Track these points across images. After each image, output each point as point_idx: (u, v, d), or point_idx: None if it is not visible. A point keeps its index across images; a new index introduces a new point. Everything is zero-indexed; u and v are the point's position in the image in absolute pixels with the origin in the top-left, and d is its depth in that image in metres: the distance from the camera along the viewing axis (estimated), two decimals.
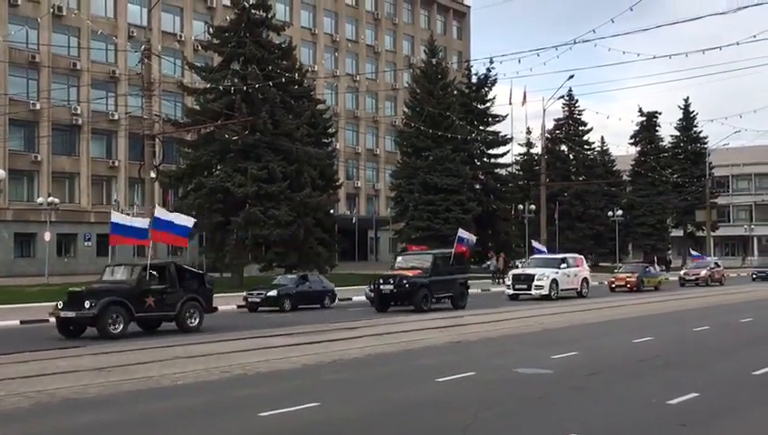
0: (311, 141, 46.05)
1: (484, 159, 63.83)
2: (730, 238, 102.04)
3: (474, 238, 34.82)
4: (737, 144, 72.89)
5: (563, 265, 35.71)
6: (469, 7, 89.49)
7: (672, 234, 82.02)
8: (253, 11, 44.03)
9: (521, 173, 69.79)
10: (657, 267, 49.24)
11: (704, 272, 48.24)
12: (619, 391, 11.80)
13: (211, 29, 49.18)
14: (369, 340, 18.97)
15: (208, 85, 44.68)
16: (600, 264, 70.27)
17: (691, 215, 79.78)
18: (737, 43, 29.41)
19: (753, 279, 55.33)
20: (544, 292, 33.53)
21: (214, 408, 10.80)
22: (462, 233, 32.79)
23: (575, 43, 29.82)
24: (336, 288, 33.42)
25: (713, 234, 78.03)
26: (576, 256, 39.71)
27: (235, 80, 42.28)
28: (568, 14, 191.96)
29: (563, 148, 74.42)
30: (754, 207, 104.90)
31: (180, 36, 60.11)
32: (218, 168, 44.03)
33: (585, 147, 75.96)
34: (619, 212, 69.22)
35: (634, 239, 77.36)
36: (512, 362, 14.50)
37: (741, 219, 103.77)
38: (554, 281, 34.26)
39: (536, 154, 67.05)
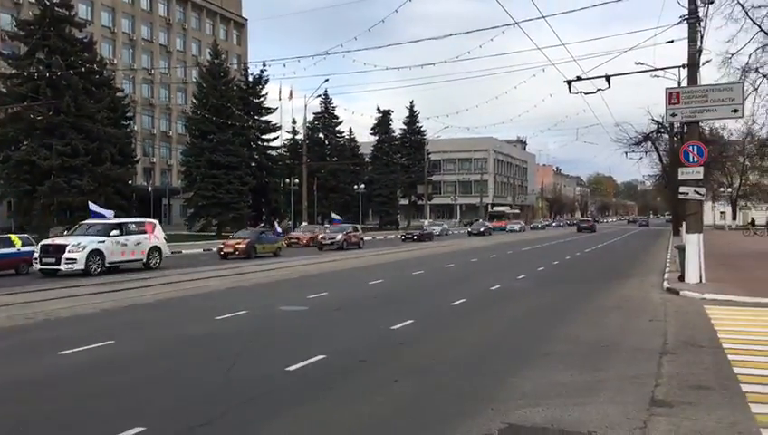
0: (110, 123, 43.29)
1: (259, 143, 62.83)
2: (441, 206, 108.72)
3: None
4: (446, 136, 77.36)
5: (115, 232, 22.91)
6: (246, 20, 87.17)
7: (401, 202, 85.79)
8: (56, 9, 40.37)
9: (288, 154, 69.40)
10: (279, 229, 39.06)
11: (339, 236, 38.86)
12: (357, 321, 12.13)
13: (17, 22, 44.22)
14: (161, 287, 18.00)
15: (15, 71, 40.57)
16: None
17: (414, 188, 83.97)
18: (445, 62, 31.26)
19: (403, 240, 49.24)
20: (79, 266, 21.32)
21: (17, 349, 9.78)
22: None
23: (327, 54, 30.28)
24: None
25: (429, 202, 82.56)
26: (145, 220, 26.39)
27: (40, 67, 38.91)
28: (326, 29, 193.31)
29: (321, 135, 74.97)
30: (458, 183, 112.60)
31: None
32: (25, 143, 40.04)
33: (337, 135, 77.00)
34: (362, 186, 71.17)
35: (373, 206, 79.96)
36: (277, 302, 14.41)
37: (449, 192, 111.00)
38: (97, 252, 21.94)
39: (300, 139, 66.95)
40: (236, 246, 30.29)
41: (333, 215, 52.30)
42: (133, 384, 7.58)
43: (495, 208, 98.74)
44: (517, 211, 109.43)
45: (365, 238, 43.71)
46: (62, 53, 39.41)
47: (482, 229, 63.59)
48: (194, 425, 6.11)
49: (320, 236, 39.90)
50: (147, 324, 11.94)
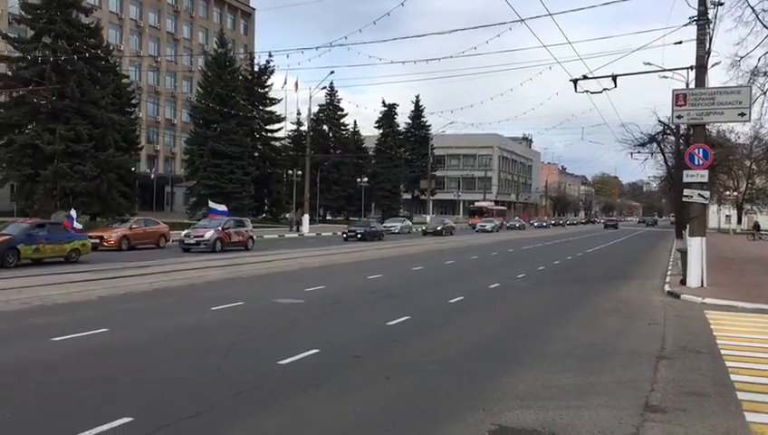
0: (115, 109, 43.13)
1: (263, 133, 62.81)
2: (444, 202, 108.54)
3: None
4: (451, 131, 76.51)
5: None
6: (254, 9, 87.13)
7: (404, 197, 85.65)
8: None
9: (291, 145, 69.43)
10: (76, 223, 23.74)
11: (210, 233, 27.96)
12: (353, 316, 12.06)
13: (23, 5, 43.99)
14: (158, 276, 17.95)
15: (20, 55, 40.59)
16: (351, 218, 72.21)
17: (417, 183, 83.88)
18: (451, 57, 31.29)
19: (345, 238, 40.57)
20: None
21: (8, 334, 9.71)
22: None
23: (332, 45, 30.30)
24: None
25: (432, 198, 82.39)
26: None
27: (46, 52, 38.89)
28: (335, 21, 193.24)
29: (325, 127, 74.90)
30: (461, 179, 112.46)
31: None
32: (29, 127, 39.99)
33: (342, 128, 76.93)
34: (365, 179, 71.10)
35: (376, 200, 79.80)
36: (273, 294, 14.35)
37: (452, 187, 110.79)
38: None
39: (304, 131, 66.91)
40: None
41: (211, 204, 37.39)
42: (123, 373, 7.53)
43: (476, 204, 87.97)
44: (503, 208, 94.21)
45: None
46: (68, 38, 39.32)
47: (439, 228, 52.81)
48: (182, 417, 6.05)
49: (183, 233, 29.52)
50: (142, 313, 11.86)
